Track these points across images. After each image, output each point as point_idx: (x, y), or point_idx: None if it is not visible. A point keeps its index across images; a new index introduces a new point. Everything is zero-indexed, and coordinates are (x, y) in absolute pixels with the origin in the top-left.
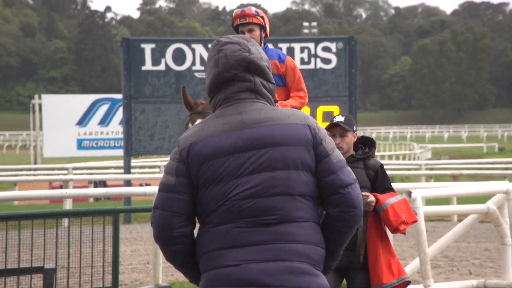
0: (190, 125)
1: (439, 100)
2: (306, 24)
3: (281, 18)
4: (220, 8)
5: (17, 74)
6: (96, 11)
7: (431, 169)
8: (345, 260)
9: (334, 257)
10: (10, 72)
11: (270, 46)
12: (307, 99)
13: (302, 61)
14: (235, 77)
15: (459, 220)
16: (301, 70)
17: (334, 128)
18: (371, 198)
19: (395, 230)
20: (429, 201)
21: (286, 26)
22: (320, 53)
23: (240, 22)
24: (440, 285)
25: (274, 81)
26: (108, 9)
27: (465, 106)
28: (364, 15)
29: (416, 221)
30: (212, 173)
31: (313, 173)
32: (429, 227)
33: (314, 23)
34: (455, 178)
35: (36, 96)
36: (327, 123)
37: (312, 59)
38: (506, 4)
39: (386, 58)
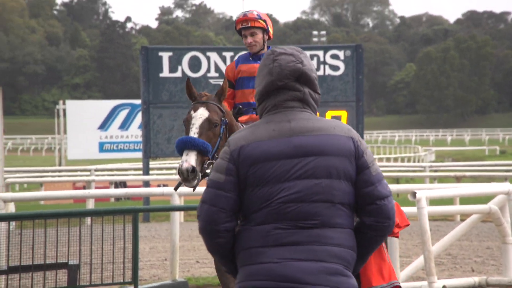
0: (192, 112)
1: (443, 105)
2: (315, 32)
3: (292, 27)
4: (234, 18)
5: (42, 81)
6: (117, 21)
7: (435, 171)
8: None
9: (362, 261)
10: (36, 79)
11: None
12: None
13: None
14: (286, 86)
15: (462, 220)
16: None
17: None
18: None
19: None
20: (433, 202)
21: (297, 34)
22: (329, 60)
23: (243, 26)
24: (443, 281)
25: (320, 92)
26: (128, 19)
27: (468, 111)
28: (371, 24)
29: (408, 224)
30: (260, 175)
31: (353, 183)
32: (433, 226)
33: (323, 32)
34: (458, 179)
35: (61, 101)
36: None
37: (321, 66)
38: (508, 13)
39: (391, 65)
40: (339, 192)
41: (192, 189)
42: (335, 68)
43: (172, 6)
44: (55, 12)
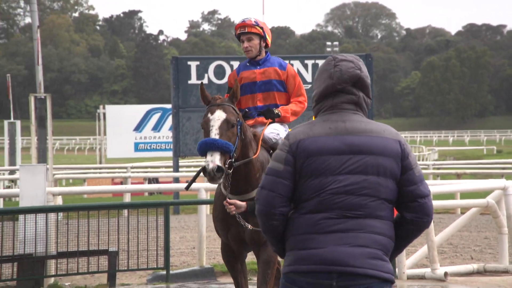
0: (209, 115)
1: (445, 109)
2: (329, 43)
3: (308, 38)
4: None
5: (85, 88)
6: (150, 34)
7: (438, 168)
8: None
9: (399, 251)
10: (80, 86)
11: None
12: (306, 104)
13: None
14: (344, 90)
15: (462, 213)
16: None
17: None
18: None
19: None
20: (436, 196)
21: (312, 45)
22: None
23: (240, 31)
24: (445, 268)
25: (371, 97)
26: (160, 32)
27: (467, 114)
28: (379, 36)
29: None
30: (315, 167)
31: (397, 181)
32: (436, 219)
33: (336, 43)
34: (459, 176)
35: (101, 106)
36: None
37: None
38: (504, 26)
39: (398, 72)
40: (385, 189)
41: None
42: None
43: (200, 20)
44: (97, 27)
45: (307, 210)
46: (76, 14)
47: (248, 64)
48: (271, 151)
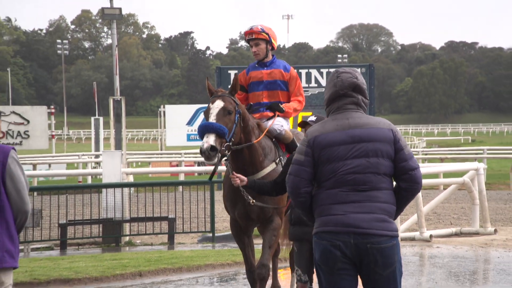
0: (210, 104)
1: (431, 107)
2: (339, 56)
3: (322, 52)
4: (281, 46)
5: (150, 92)
6: (200, 50)
7: (425, 154)
8: None
9: (400, 212)
10: (146, 91)
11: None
12: (304, 103)
13: None
14: (346, 94)
15: (444, 189)
16: None
17: (307, 126)
18: None
19: None
20: (424, 176)
21: (326, 57)
22: None
23: (249, 37)
24: (430, 231)
25: (368, 98)
26: (207, 48)
27: (449, 111)
28: (379, 50)
29: None
30: (328, 156)
31: (392, 160)
32: (424, 194)
33: (345, 55)
34: (442, 160)
35: (162, 106)
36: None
37: None
38: (477, 43)
39: (394, 79)
40: (383, 167)
41: (213, 167)
42: None
43: (238, 38)
44: (159, 44)
45: (327, 188)
46: (144, 35)
47: (256, 65)
48: (273, 139)
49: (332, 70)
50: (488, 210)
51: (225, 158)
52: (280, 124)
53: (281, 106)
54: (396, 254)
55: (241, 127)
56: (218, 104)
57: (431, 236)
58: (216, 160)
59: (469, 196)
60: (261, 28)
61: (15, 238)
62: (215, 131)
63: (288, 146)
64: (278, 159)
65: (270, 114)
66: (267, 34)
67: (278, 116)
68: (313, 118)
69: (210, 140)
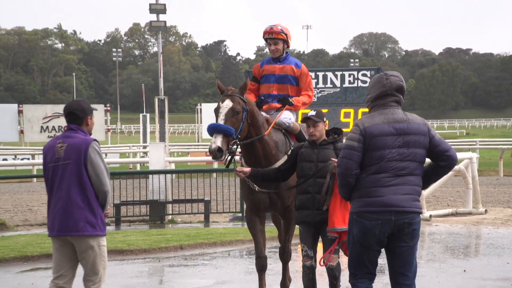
0: (220, 103)
1: (431, 105)
2: (352, 60)
3: (337, 57)
4: (301, 51)
5: (189, 92)
6: (231, 55)
7: None
8: (318, 217)
9: (429, 186)
10: (186, 91)
11: (327, 72)
12: (314, 98)
13: (350, 82)
14: (392, 94)
15: None
16: (348, 87)
17: (308, 121)
18: None
19: None
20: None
21: (340, 61)
22: (360, 77)
23: (268, 36)
24: (430, 212)
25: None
26: (237, 54)
27: (446, 108)
28: (386, 55)
29: None
30: (377, 144)
31: (427, 150)
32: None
33: (357, 60)
34: None
35: (199, 104)
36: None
37: (356, 81)
38: (470, 49)
39: None
40: (419, 156)
41: (225, 166)
42: (364, 82)
43: (264, 45)
44: (197, 51)
45: (371, 172)
46: (184, 44)
47: (271, 60)
48: (283, 131)
49: (345, 73)
50: (479, 193)
51: (238, 150)
52: (289, 118)
53: (291, 100)
54: (420, 228)
55: (249, 123)
56: (227, 104)
57: (430, 216)
58: (223, 158)
59: (464, 181)
60: (280, 29)
61: (97, 212)
62: (222, 132)
63: (296, 136)
64: (290, 150)
65: (278, 105)
66: (285, 34)
67: (286, 109)
68: (313, 112)
69: (218, 141)
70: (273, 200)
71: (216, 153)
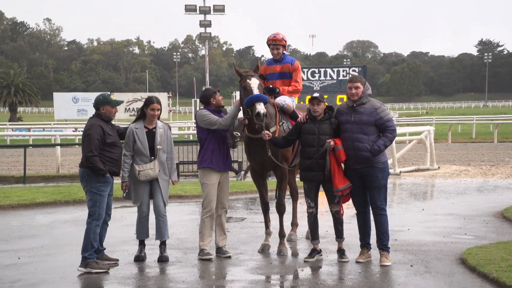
0: (248, 81)
1: (402, 92)
2: (345, 60)
3: (334, 58)
4: (308, 54)
5: (227, 83)
6: (257, 56)
7: (398, 122)
8: (321, 176)
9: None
10: (225, 83)
11: (327, 69)
12: (299, 86)
13: (343, 76)
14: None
15: (409, 142)
16: (342, 79)
17: (313, 100)
18: (332, 142)
19: (342, 161)
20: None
21: (336, 61)
22: (351, 72)
23: (272, 43)
24: (400, 169)
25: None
26: (262, 55)
27: (412, 95)
28: (369, 56)
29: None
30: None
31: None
32: (397, 146)
33: (349, 60)
34: (408, 125)
35: (234, 92)
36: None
37: (348, 75)
38: (429, 52)
39: (379, 75)
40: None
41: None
42: None
43: None
44: (233, 54)
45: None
46: (224, 49)
47: (273, 61)
48: (278, 109)
49: (340, 69)
50: (435, 155)
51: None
52: (283, 100)
53: (278, 89)
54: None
55: None
56: (255, 81)
57: (400, 172)
58: (265, 120)
59: (424, 147)
60: (281, 37)
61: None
62: (264, 100)
63: (290, 115)
64: (281, 122)
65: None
66: (285, 41)
67: (283, 94)
68: (317, 94)
69: (263, 107)
70: (268, 162)
71: (265, 117)
